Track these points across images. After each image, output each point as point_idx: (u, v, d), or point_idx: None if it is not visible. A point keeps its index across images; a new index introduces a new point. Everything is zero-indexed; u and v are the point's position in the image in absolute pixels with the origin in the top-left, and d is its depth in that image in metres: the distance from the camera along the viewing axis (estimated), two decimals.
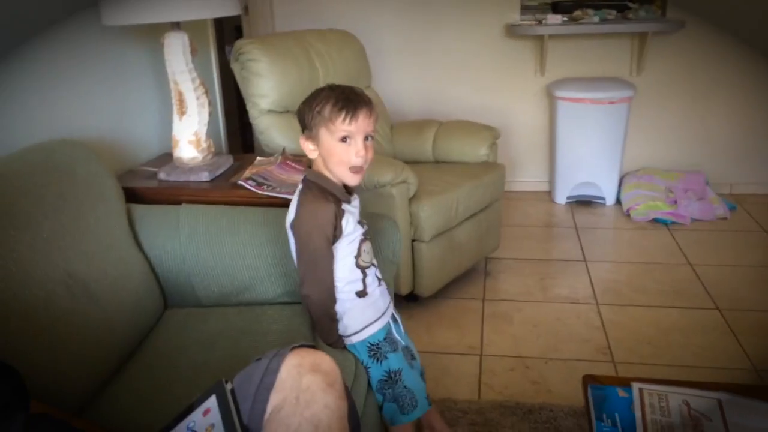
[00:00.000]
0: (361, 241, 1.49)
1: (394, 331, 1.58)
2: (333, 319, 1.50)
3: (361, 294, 1.50)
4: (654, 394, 1.27)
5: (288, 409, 0.95)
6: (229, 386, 0.98)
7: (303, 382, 0.98)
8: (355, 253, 1.48)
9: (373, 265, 1.54)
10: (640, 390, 1.29)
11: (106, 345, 1.43)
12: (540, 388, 2.08)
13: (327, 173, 1.44)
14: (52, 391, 1.22)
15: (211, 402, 0.97)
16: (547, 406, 1.96)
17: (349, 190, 1.49)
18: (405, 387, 1.52)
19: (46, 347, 1.26)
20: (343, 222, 1.44)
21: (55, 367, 1.26)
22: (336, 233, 1.43)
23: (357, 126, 1.36)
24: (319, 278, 1.44)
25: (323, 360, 1.04)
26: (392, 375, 1.51)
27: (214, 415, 0.95)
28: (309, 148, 1.44)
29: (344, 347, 1.51)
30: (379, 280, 1.56)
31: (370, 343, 1.51)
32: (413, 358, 1.65)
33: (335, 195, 1.44)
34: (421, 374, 1.66)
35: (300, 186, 1.47)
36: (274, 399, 0.98)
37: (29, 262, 1.30)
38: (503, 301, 2.64)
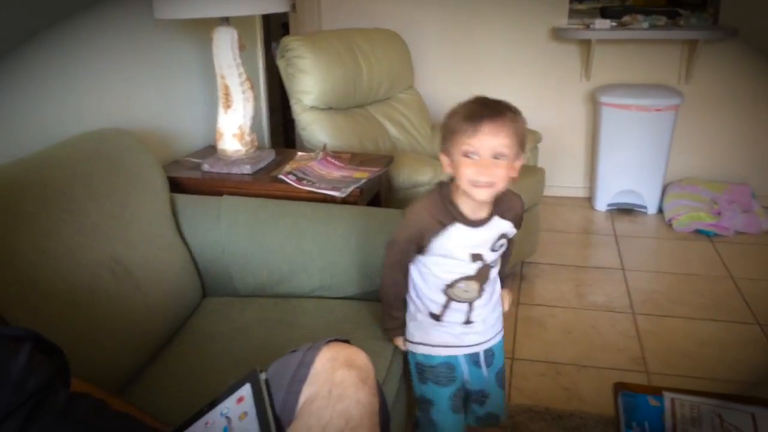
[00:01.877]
0: (466, 278, 1.37)
1: (466, 372, 1.47)
2: (390, 310, 1.48)
3: (435, 317, 1.42)
4: (686, 404, 1.26)
5: (320, 402, 0.96)
6: (263, 376, 1.00)
7: (336, 376, 0.99)
8: (447, 282, 1.38)
9: (469, 304, 1.40)
10: (672, 400, 1.27)
11: (145, 330, 1.47)
12: (571, 395, 2.06)
13: (455, 190, 1.34)
14: (91, 372, 1.25)
15: (245, 390, 0.99)
16: (577, 413, 1.95)
17: (481, 216, 1.35)
18: (431, 419, 1.48)
19: (89, 328, 1.31)
20: (437, 241, 1.34)
21: (96, 349, 1.31)
22: (423, 245, 1.36)
23: (480, 141, 1.24)
24: (388, 266, 1.44)
25: (358, 355, 1.05)
26: (423, 400, 1.49)
27: (248, 403, 0.97)
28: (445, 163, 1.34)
29: (391, 340, 1.51)
30: (470, 321, 1.42)
31: (419, 362, 1.47)
32: (481, 402, 1.54)
33: (448, 211, 1.33)
34: (485, 418, 1.57)
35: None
36: (307, 391, 0.99)
37: (77, 245, 1.35)
38: (538, 306, 2.63)
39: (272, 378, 1.02)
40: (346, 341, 1.09)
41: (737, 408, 1.24)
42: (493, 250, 1.37)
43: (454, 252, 1.34)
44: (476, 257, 1.35)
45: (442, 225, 1.33)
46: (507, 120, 1.24)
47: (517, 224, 1.42)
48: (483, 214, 1.34)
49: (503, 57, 3.75)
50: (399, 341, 1.50)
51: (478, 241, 1.35)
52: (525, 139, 1.29)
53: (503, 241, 1.39)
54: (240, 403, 0.97)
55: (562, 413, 1.94)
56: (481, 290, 1.39)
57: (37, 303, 1.22)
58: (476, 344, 1.45)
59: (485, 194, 1.28)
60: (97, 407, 0.97)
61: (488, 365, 1.48)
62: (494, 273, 1.41)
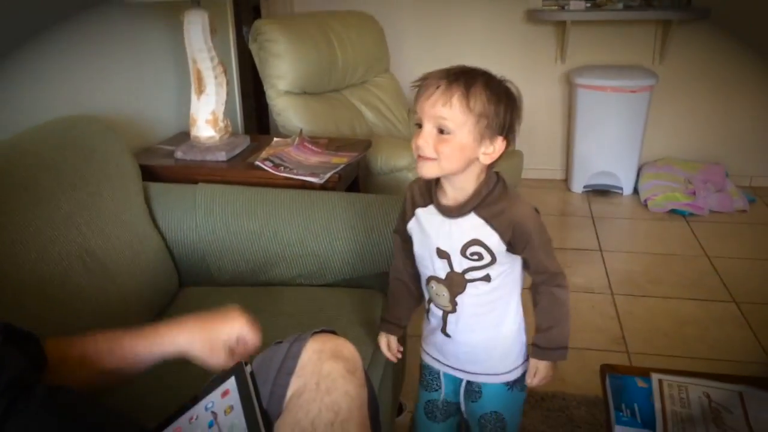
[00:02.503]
0: (436, 280, 1.23)
1: (443, 388, 1.36)
2: (389, 302, 1.39)
3: (426, 311, 1.32)
4: (674, 385, 1.26)
5: (308, 395, 0.93)
6: (248, 368, 0.97)
7: (324, 368, 0.96)
8: (424, 276, 1.26)
9: (445, 311, 1.25)
10: (660, 381, 1.27)
11: (121, 322, 1.40)
12: (553, 377, 2.05)
13: None
14: None
15: (230, 383, 0.96)
16: (559, 394, 1.95)
17: (451, 205, 1.17)
18: (414, 418, 1.45)
19: (61, 323, 1.26)
20: (412, 221, 1.24)
21: None
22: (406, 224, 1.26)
23: (420, 107, 1.09)
24: (394, 252, 1.36)
25: (345, 346, 1.02)
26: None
27: (233, 396, 0.94)
28: None
29: (382, 331, 1.40)
30: (447, 335, 1.27)
31: (421, 359, 1.39)
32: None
33: (429, 190, 1.21)
34: None
35: None
36: (295, 384, 0.96)
37: (47, 237, 1.30)
38: None
39: (257, 370, 1.00)
40: (332, 332, 1.07)
41: (725, 387, 1.25)
42: (464, 256, 1.16)
43: (423, 239, 1.22)
44: (442, 254, 1.18)
45: (420, 203, 1.22)
46: (455, 86, 1.05)
47: (508, 238, 1.14)
48: (454, 200, 1.16)
49: (479, 39, 3.72)
50: (381, 338, 1.39)
51: (446, 234, 1.17)
52: (501, 119, 1.09)
53: (479, 250, 1.15)
54: (225, 397, 0.95)
55: (545, 395, 1.94)
56: (453, 303, 1.22)
57: (7, 297, 1.17)
58: (455, 367, 1.31)
59: (426, 169, 1.10)
60: (78, 402, 0.93)
61: (470, 400, 1.32)
62: (474, 290, 1.20)
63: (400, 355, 1.40)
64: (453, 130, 1.07)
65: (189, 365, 1.34)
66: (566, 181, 3.89)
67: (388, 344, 1.38)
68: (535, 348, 1.24)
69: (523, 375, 1.29)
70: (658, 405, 1.21)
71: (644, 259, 2.91)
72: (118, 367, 1.03)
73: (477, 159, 1.11)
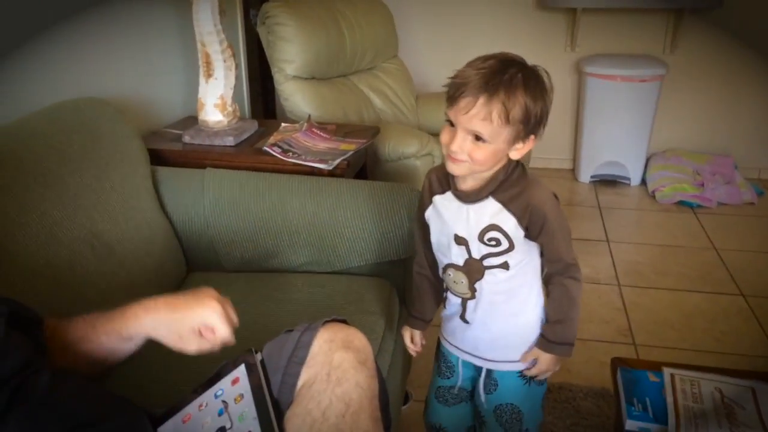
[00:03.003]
0: (454, 268, 1.21)
1: (461, 376, 1.34)
2: (414, 291, 1.37)
3: (444, 300, 1.30)
4: (686, 379, 1.25)
5: (319, 386, 0.93)
6: (258, 356, 0.97)
7: (335, 359, 0.96)
8: (441, 264, 1.25)
9: (464, 298, 1.24)
10: (672, 375, 1.26)
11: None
12: (560, 368, 2.05)
13: None
14: None
15: (240, 371, 0.95)
16: (566, 385, 1.94)
17: (468, 191, 1.16)
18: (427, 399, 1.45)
19: (70, 306, 1.25)
20: (431, 209, 1.23)
21: None
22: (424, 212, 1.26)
23: (455, 116, 1.06)
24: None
25: (356, 336, 1.02)
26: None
27: (243, 385, 0.93)
28: None
29: (407, 326, 1.39)
30: (466, 321, 1.26)
31: (440, 345, 1.39)
32: (480, 424, 1.38)
33: (447, 177, 1.19)
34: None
35: None
36: (305, 374, 0.96)
37: (54, 220, 1.29)
38: None
39: (268, 359, 0.99)
40: (344, 321, 1.06)
41: (737, 383, 1.24)
42: (481, 242, 1.15)
43: (441, 226, 1.21)
44: (460, 241, 1.17)
45: (438, 191, 1.21)
46: (495, 99, 1.01)
47: (525, 223, 1.12)
48: (472, 186, 1.15)
49: (489, 26, 3.69)
50: (405, 332, 1.39)
51: (464, 220, 1.16)
52: (538, 118, 1.07)
53: (497, 236, 1.14)
54: (235, 385, 0.94)
55: (551, 386, 1.93)
56: (472, 289, 1.21)
57: (16, 280, 1.17)
58: (474, 354, 1.29)
59: (456, 168, 1.10)
60: (81, 390, 0.92)
61: (486, 392, 1.30)
62: (492, 278, 1.19)
63: (420, 349, 1.39)
64: (488, 140, 1.05)
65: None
66: (573, 170, 3.87)
67: (412, 338, 1.38)
68: (541, 338, 1.22)
69: None
70: (670, 399, 1.20)
71: (651, 250, 2.89)
72: (95, 353, 0.99)
73: (506, 155, 1.10)
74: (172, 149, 1.93)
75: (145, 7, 2.07)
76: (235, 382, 0.95)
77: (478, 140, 1.05)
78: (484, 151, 1.06)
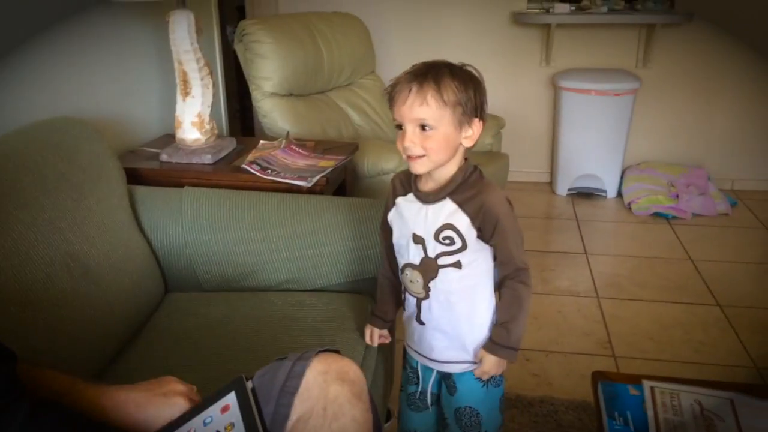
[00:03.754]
0: (411, 267, 1.25)
1: (423, 380, 1.38)
2: (378, 291, 1.43)
3: (403, 301, 1.35)
4: (666, 392, 1.25)
5: (315, 421, 0.92)
6: (249, 384, 0.95)
7: (330, 392, 0.95)
8: (400, 264, 1.29)
9: (419, 297, 1.28)
10: (652, 388, 1.27)
11: (105, 328, 1.40)
12: (540, 381, 2.06)
13: None
14: None
15: (231, 399, 0.93)
16: (547, 399, 1.94)
17: (428, 192, 1.22)
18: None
19: (44, 329, 1.23)
20: (393, 211, 1.29)
21: (53, 349, 1.24)
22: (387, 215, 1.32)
23: (399, 112, 1.14)
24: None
25: (350, 368, 1.01)
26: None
27: (234, 413, 0.91)
28: None
29: (368, 323, 1.45)
30: (421, 322, 1.30)
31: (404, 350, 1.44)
32: (443, 427, 1.41)
33: (409, 180, 1.25)
34: None
35: None
36: (300, 407, 0.94)
37: (29, 242, 1.27)
38: None
39: (259, 387, 0.97)
40: (337, 351, 1.05)
41: (716, 395, 1.25)
42: (437, 240, 1.20)
43: (401, 226, 1.26)
44: (418, 240, 1.22)
45: (401, 192, 1.27)
46: (426, 85, 1.11)
47: (478, 223, 1.18)
48: (432, 187, 1.21)
49: (464, 41, 3.72)
50: (366, 328, 1.45)
51: (422, 220, 1.21)
52: (473, 101, 1.15)
53: (451, 235, 1.19)
54: (225, 413, 0.92)
55: (533, 400, 1.94)
56: (426, 289, 1.25)
57: None
58: (429, 358, 1.33)
59: (419, 166, 1.16)
60: (65, 421, 0.89)
61: (450, 394, 1.34)
62: (445, 277, 1.23)
63: (383, 341, 1.46)
64: (434, 125, 1.12)
65: (175, 369, 1.32)
66: (551, 183, 3.90)
67: (371, 335, 1.44)
68: (489, 340, 1.26)
69: None
70: (650, 413, 1.20)
71: (629, 262, 2.92)
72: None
73: (460, 144, 1.18)
74: (149, 168, 1.91)
75: (122, 26, 2.06)
76: (225, 409, 0.92)
77: (425, 130, 1.13)
78: (435, 139, 1.13)
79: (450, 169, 1.19)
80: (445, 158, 1.17)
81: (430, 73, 1.12)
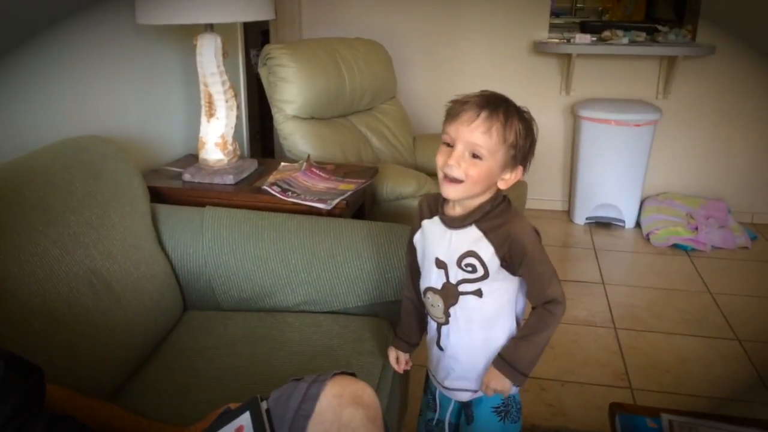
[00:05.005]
0: (432, 291, 1.25)
1: (442, 408, 1.36)
2: (402, 314, 1.41)
3: (426, 324, 1.35)
4: (684, 426, 1.24)
5: None
6: (264, 405, 0.95)
7: (344, 416, 0.95)
8: (422, 288, 1.28)
9: (439, 323, 1.27)
10: (670, 422, 1.26)
11: (125, 345, 1.42)
12: (556, 411, 2.04)
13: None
14: (70, 387, 1.20)
15: (245, 419, 0.93)
16: (562, 429, 1.93)
17: (455, 217, 1.21)
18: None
19: (66, 344, 1.25)
20: (419, 233, 1.29)
21: (74, 365, 1.25)
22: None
23: (456, 130, 1.12)
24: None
25: (365, 392, 1.01)
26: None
27: None
28: None
29: (392, 346, 1.43)
30: (441, 347, 1.29)
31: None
32: None
33: (437, 202, 1.25)
34: None
35: None
36: (314, 430, 0.94)
37: (54, 258, 1.29)
38: None
39: (273, 409, 0.97)
40: (352, 374, 1.05)
41: (735, 430, 1.23)
42: (459, 267, 1.19)
43: (426, 249, 1.26)
44: (440, 264, 1.21)
45: (427, 215, 1.26)
46: (495, 117, 1.10)
47: (503, 253, 1.15)
48: (459, 213, 1.20)
49: (485, 69, 3.75)
50: (390, 351, 1.43)
51: (446, 245, 1.20)
52: (525, 149, 1.16)
53: (473, 262, 1.17)
54: None
55: (548, 430, 1.92)
56: (446, 314, 1.24)
57: (13, 317, 1.16)
58: (447, 387, 1.31)
59: (452, 191, 1.14)
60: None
61: (467, 423, 1.33)
62: (465, 304, 1.22)
63: (407, 367, 1.43)
64: (485, 157, 1.12)
65: (192, 387, 1.33)
66: (569, 212, 3.89)
67: (398, 359, 1.42)
68: (498, 356, 1.23)
69: (514, 405, 1.30)
70: None
71: (647, 293, 2.89)
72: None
73: (496, 183, 1.17)
74: (172, 187, 1.94)
75: (149, 47, 2.10)
76: (239, 430, 0.93)
77: (474, 157, 1.12)
78: (480, 169, 1.12)
79: (479, 199, 1.18)
80: (479, 191, 1.16)
81: (502, 107, 1.12)
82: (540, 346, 1.22)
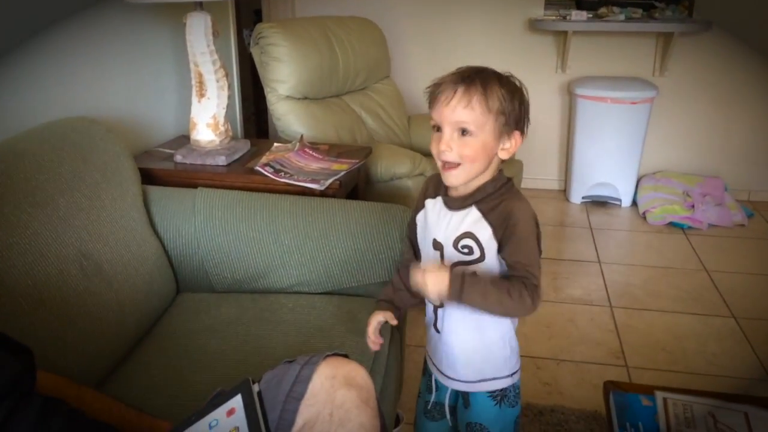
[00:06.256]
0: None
1: (441, 391, 1.33)
2: (390, 284, 1.34)
3: (425, 304, 1.30)
4: (679, 404, 1.24)
5: (321, 426, 0.91)
6: (256, 387, 0.94)
7: (337, 397, 0.94)
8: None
9: (434, 309, 1.25)
10: (665, 399, 1.25)
11: (117, 326, 1.41)
12: (551, 390, 2.05)
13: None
14: (62, 372, 1.19)
15: (236, 402, 0.92)
16: (558, 408, 1.93)
17: (456, 198, 1.17)
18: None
19: (56, 327, 1.24)
20: (421, 213, 1.25)
21: (66, 348, 1.25)
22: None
23: (439, 114, 1.10)
24: None
25: (358, 373, 0.99)
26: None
27: (239, 417, 0.90)
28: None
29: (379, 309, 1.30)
30: (437, 330, 1.25)
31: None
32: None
33: (441, 183, 1.19)
34: None
35: None
36: (306, 412, 0.93)
37: (43, 239, 1.28)
38: None
39: (265, 391, 0.96)
40: (345, 356, 1.04)
41: (730, 407, 1.23)
42: (455, 248, 1.15)
43: (426, 229, 1.22)
44: (437, 245, 1.18)
45: (431, 195, 1.23)
46: (473, 89, 1.07)
47: (500, 234, 1.11)
48: (461, 193, 1.16)
49: (480, 47, 3.72)
50: (372, 317, 1.28)
51: (444, 225, 1.17)
52: (516, 113, 1.11)
53: (470, 244, 1.14)
54: (230, 416, 0.91)
55: (543, 408, 1.92)
56: None
57: (3, 301, 1.15)
58: (443, 373, 1.27)
59: (453, 177, 1.11)
60: (71, 417, 0.90)
61: (465, 407, 1.29)
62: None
63: (378, 347, 1.30)
64: (475, 132, 1.08)
65: (185, 369, 1.33)
66: (565, 191, 3.88)
67: (377, 325, 1.29)
68: (462, 271, 1.11)
69: (512, 389, 1.27)
70: (663, 424, 1.19)
71: (643, 271, 2.89)
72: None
73: (496, 155, 1.13)
74: (163, 168, 1.92)
75: (138, 27, 2.07)
76: (230, 413, 0.92)
77: (464, 135, 1.08)
78: (472, 146, 1.09)
79: (482, 179, 1.14)
80: (480, 168, 1.12)
81: (478, 77, 1.08)
82: (490, 298, 1.10)
